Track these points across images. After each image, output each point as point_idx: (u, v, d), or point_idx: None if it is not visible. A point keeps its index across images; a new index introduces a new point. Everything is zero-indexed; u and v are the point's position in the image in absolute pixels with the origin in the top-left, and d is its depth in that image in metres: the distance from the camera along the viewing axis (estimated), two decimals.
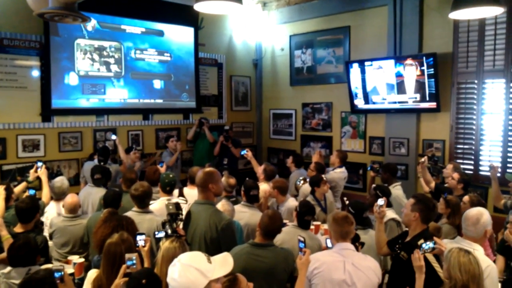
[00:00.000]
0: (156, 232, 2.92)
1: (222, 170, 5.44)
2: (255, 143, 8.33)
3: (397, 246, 3.10)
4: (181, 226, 3.01)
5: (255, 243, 3.03)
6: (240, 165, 7.29)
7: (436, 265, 2.76)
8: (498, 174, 4.58)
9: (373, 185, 4.65)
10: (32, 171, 4.53)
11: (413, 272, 2.64)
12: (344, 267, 2.73)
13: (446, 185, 4.81)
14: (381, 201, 3.29)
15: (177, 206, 2.91)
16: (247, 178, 4.51)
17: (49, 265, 3.12)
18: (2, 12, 5.41)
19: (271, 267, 2.95)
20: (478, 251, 2.78)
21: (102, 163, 5.31)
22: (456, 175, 4.60)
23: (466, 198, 4.10)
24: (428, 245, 2.69)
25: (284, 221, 3.81)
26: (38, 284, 2.35)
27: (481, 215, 2.95)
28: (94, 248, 3.23)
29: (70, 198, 4.03)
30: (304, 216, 3.65)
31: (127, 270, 2.48)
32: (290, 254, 3.08)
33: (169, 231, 2.69)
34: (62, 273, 2.50)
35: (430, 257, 2.76)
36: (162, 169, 5.03)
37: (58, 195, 4.43)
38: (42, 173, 4.47)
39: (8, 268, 2.90)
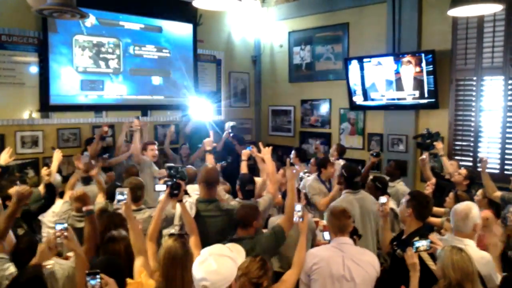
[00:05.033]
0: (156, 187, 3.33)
1: (226, 167, 5.50)
2: (254, 140, 8.31)
3: (394, 243, 3.11)
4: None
5: (234, 239, 2.98)
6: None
7: (430, 263, 2.76)
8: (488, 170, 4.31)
9: (371, 177, 4.64)
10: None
11: (408, 271, 2.64)
12: (344, 262, 2.74)
13: (449, 178, 4.77)
14: (383, 199, 3.21)
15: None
16: (242, 172, 4.29)
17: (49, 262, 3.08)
18: (0, 8, 5.38)
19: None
20: (470, 246, 2.79)
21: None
22: (463, 171, 4.47)
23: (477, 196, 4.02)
24: (422, 243, 2.66)
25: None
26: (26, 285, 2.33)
27: (469, 209, 2.93)
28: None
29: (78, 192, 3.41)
30: (353, 178, 3.89)
31: (115, 205, 2.71)
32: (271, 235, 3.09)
33: (171, 171, 3.05)
34: (66, 225, 2.49)
35: (425, 255, 2.76)
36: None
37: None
38: (57, 158, 4.49)
39: (12, 270, 2.75)
